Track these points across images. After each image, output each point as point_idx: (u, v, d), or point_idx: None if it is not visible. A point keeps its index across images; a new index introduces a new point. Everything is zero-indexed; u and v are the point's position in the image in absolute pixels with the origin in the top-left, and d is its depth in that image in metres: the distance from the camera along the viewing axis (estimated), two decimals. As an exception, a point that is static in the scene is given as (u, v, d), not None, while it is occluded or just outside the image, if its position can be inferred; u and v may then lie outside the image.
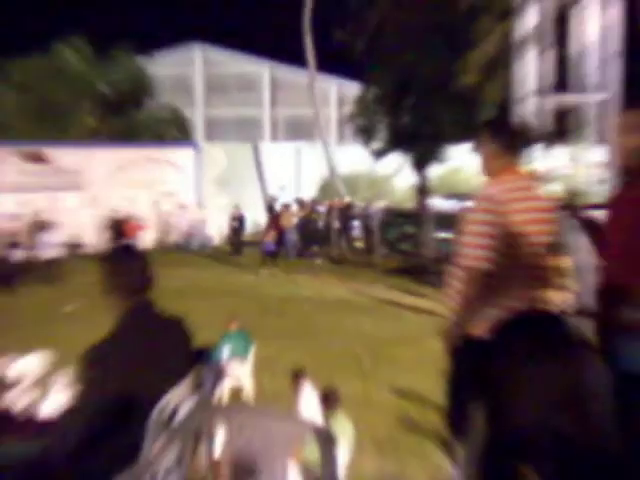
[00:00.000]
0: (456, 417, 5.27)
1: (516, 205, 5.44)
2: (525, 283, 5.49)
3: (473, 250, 5.48)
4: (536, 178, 6.45)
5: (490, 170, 5.82)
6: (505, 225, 5.38)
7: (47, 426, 6.50)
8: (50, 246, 29.20)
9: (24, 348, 11.93)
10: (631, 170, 5.51)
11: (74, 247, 32.60)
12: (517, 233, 5.41)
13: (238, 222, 36.53)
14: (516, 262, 5.47)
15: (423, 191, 34.13)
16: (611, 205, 5.62)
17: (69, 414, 4.85)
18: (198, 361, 5.29)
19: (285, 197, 40.87)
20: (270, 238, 31.84)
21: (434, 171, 35.24)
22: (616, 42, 7.14)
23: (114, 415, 4.52)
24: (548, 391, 2.24)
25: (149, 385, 4.56)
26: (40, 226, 30.23)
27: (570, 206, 6.56)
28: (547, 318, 3.71)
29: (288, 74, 51.71)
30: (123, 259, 5.26)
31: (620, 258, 5.66)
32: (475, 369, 4.84)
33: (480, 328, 5.46)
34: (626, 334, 5.08)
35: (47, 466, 4.69)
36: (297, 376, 11.61)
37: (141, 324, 4.93)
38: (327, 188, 42.61)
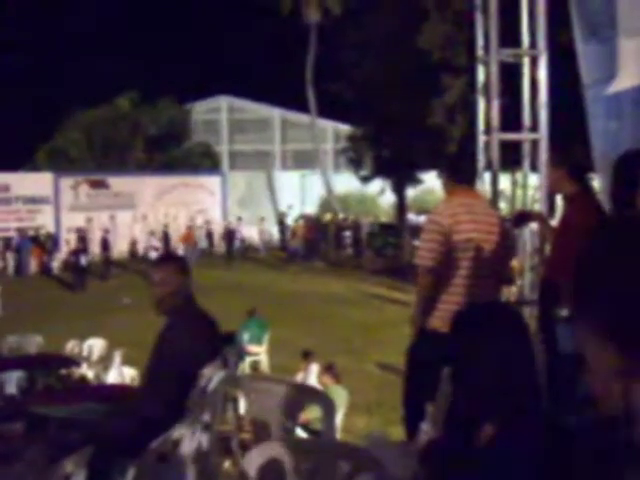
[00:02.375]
0: (413, 417, 5.24)
1: (460, 217, 5.47)
2: (471, 281, 5.49)
3: (422, 252, 5.53)
4: (484, 198, 6.45)
5: (447, 191, 5.88)
6: (448, 233, 5.41)
7: (112, 392, 6.53)
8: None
9: (90, 333, 11.99)
10: (562, 195, 5.60)
11: (131, 253, 32.70)
12: (461, 239, 5.43)
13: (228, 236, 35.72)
14: (461, 264, 5.48)
15: (401, 208, 34.26)
16: (560, 220, 5.70)
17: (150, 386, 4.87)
18: (225, 344, 5.32)
19: (292, 214, 41.00)
20: (296, 243, 32.00)
21: (410, 192, 35.34)
22: (544, 94, 7.29)
23: (169, 387, 4.55)
24: (500, 362, 2.27)
25: (194, 363, 4.60)
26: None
27: (517, 217, 6.63)
28: (495, 306, 3.75)
29: (294, 117, 51.74)
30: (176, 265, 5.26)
31: (553, 259, 5.71)
32: (432, 358, 4.81)
33: (434, 321, 5.47)
34: (558, 324, 5.13)
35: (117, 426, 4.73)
36: (306, 355, 11.65)
37: (187, 317, 4.95)
38: (325, 206, 42.63)
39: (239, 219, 40.01)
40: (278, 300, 21.26)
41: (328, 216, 39.96)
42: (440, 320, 5.39)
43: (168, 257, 6.78)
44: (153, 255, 27.99)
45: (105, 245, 30.84)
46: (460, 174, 5.82)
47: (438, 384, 4.44)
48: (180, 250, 33.84)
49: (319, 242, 37.28)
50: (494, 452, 2.36)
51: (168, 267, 5.11)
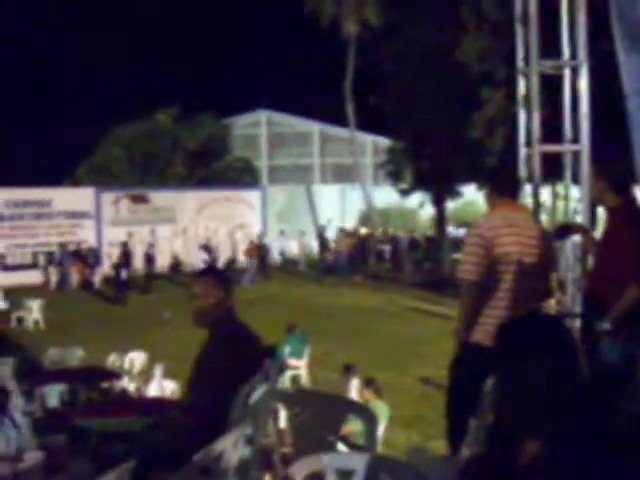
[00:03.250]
0: (456, 431, 5.21)
1: (503, 230, 5.43)
2: (514, 295, 5.45)
3: (465, 265, 5.48)
4: (527, 211, 6.40)
5: (489, 205, 5.84)
6: (492, 247, 5.38)
7: (153, 405, 6.56)
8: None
9: (131, 346, 12.08)
10: (604, 207, 5.53)
11: (172, 267, 32.89)
12: (503, 252, 5.39)
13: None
14: (503, 277, 5.44)
15: (441, 221, 34.15)
16: (603, 233, 5.64)
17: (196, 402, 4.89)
18: (266, 357, 5.33)
19: (332, 228, 40.98)
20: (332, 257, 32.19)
21: (449, 205, 35.23)
22: (585, 105, 7.23)
23: (211, 401, 4.57)
24: (545, 374, 2.25)
25: (235, 379, 4.61)
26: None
27: (559, 230, 6.57)
28: (539, 317, 3.70)
29: (334, 130, 51.80)
30: (216, 278, 5.28)
31: (596, 273, 5.66)
32: (475, 372, 4.78)
33: (477, 335, 5.43)
34: (601, 336, 5.08)
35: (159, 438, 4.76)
36: (347, 369, 11.63)
37: (229, 331, 4.97)
38: (365, 220, 42.62)
39: (282, 233, 40.14)
40: (318, 314, 21.27)
41: (364, 230, 40.01)
42: (483, 334, 5.36)
43: (208, 270, 6.80)
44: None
45: (149, 259, 31.17)
46: (503, 187, 5.78)
47: (481, 398, 4.42)
48: (243, 263, 34.28)
49: (358, 256, 37.30)
50: (538, 469, 2.33)
51: (207, 280, 5.14)
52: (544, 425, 2.34)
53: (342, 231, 39.03)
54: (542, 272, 5.65)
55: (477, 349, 5.35)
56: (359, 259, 37.00)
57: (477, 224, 5.76)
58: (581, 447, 2.29)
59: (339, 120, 43.64)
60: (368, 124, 42.76)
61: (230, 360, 4.73)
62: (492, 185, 5.87)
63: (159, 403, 7.05)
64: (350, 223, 44.50)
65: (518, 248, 5.43)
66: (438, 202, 33.67)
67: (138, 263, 32.45)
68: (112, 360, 11.03)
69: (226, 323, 4.99)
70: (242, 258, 36.44)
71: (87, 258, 32.03)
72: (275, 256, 38.35)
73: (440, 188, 32.52)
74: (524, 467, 2.39)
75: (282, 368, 13.49)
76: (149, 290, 28.85)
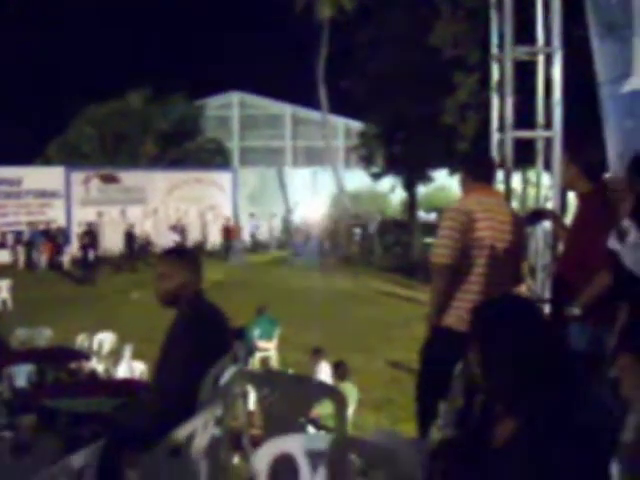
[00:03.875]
0: (426, 414, 5.23)
1: (477, 215, 5.43)
2: (487, 279, 5.47)
3: (439, 249, 5.48)
4: (501, 196, 6.40)
5: (464, 189, 5.84)
6: (466, 231, 5.37)
7: (122, 386, 6.53)
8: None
9: (100, 327, 12.01)
10: (576, 193, 5.55)
11: (142, 248, 32.70)
12: (477, 237, 5.39)
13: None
14: (476, 262, 5.45)
15: (412, 206, 34.23)
16: (574, 219, 5.64)
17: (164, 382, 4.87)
18: (235, 339, 5.31)
19: (297, 211, 41.20)
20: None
21: (421, 190, 35.30)
22: (558, 92, 7.24)
23: (180, 382, 4.56)
24: (518, 353, 2.26)
25: (204, 360, 4.60)
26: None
27: (530, 216, 6.59)
28: (516, 300, 3.69)
29: (306, 113, 51.72)
30: (183, 258, 5.25)
31: (566, 259, 5.69)
32: (446, 356, 4.79)
33: (450, 318, 5.45)
34: (570, 322, 5.10)
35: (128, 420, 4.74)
36: (316, 351, 11.64)
37: (197, 312, 4.95)
38: (336, 204, 42.63)
39: (252, 215, 40.07)
40: (288, 297, 21.28)
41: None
42: (455, 318, 5.38)
43: (175, 250, 6.72)
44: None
45: (130, 239, 31.40)
46: (478, 171, 5.78)
47: (451, 382, 4.43)
48: (215, 245, 34.45)
49: (329, 239, 37.43)
50: (513, 449, 2.34)
51: (174, 260, 5.10)
52: (520, 403, 2.35)
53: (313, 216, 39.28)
54: (514, 258, 5.67)
55: (449, 333, 5.37)
56: (330, 243, 37.08)
57: (451, 208, 5.75)
58: (552, 430, 2.30)
59: (311, 103, 43.62)
60: (341, 107, 42.80)
61: (198, 341, 4.71)
62: (467, 170, 5.87)
63: (128, 384, 7.01)
64: (321, 206, 44.53)
65: (492, 233, 5.45)
66: (409, 186, 33.74)
67: (108, 243, 32.29)
68: (81, 340, 10.95)
69: (194, 304, 4.96)
70: (213, 240, 36.43)
71: (56, 238, 31.79)
72: (246, 238, 38.24)
73: (411, 172, 32.58)
74: (497, 449, 2.40)
75: (251, 350, 13.49)
76: (136, 269, 28.79)
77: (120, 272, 28.63)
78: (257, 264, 32.12)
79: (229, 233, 35.19)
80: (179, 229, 33.84)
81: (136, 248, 31.51)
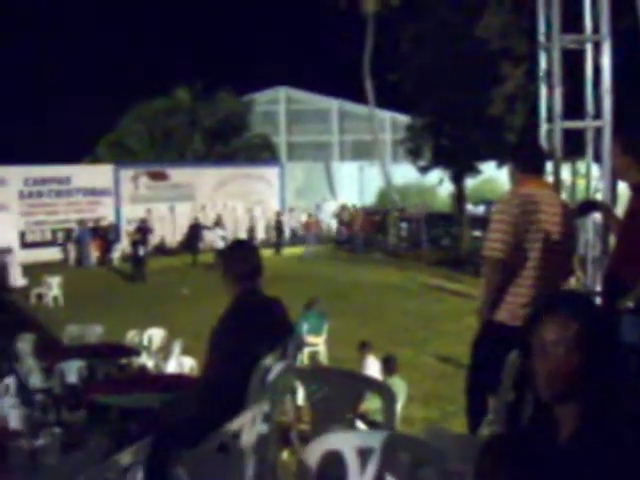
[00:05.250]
0: (476, 410, 5.17)
1: (529, 207, 5.35)
2: (540, 273, 5.38)
3: (492, 243, 5.40)
4: (551, 187, 6.29)
5: (514, 181, 5.74)
6: (521, 223, 5.30)
7: (172, 382, 6.56)
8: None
9: (150, 323, 12.10)
10: (628, 183, 5.43)
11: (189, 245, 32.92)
12: (530, 230, 5.31)
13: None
14: (529, 255, 5.37)
15: (460, 198, 33.97)
16: (626, 211, 5.52)
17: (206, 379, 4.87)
18: (285, 334, 5.30)
19: (327, 206, 41.51)
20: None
21: (469, 182, 35.04)
22: (608, 81, 7.12)
23: (229, 377, 4.56)
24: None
25: (252, 355, 4.59)
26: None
27: (581, 207, 6.48)
28: (569, 293, 3.60)
29: (353, 108, 51.63)
30: (238, 251, 5.27)
31: (618, 252, 5.58)
32: (498, 351, 4.73)
33: (503, 313, 5.38)
34: (622, 315, 5.00)
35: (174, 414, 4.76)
36: (363, 346, 11.61)
37: (251, 305, 4.95)
38: (384, 197, 42.49)
39: (291, 210, 40.11)
40: (337, 291, 21.25)
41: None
42: (508, 313, 5.31)
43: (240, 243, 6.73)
44: (219, 244, 28.20)
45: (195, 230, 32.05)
46: (528, 163, 5.69)
47: (502, 377, 4.38)
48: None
49: (375, 233, 37.44)
50: (574, 447, 2.30)
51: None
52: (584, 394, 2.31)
53: (357, 209, 39.26)
54: (566, 250, 5.58)
55: (501, 328, 5.30)
56: (377, 236, 37.06)
57: (503, 201, 5.65)
58: (616, 427, 2.25)
59: (358, 97, 43.50)
60: (387, 101, 42.62)
61: (244, 334, 4.71)
62: (516, 161, 5.78)
63: (177, 380, 7.04)
64: (369, 200, 44.48)
65: (544, 226, 5.36)
66: (457, 179, 33.48)
67: (157, 240, 32.62)
68: (131, 336, 11.04)
69: (243, 297, 4.97)
70: (260, 235, 36.63)
71: (106, 235, 32.13)
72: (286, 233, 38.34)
73: (459, 165, 32.32)
74: (563, 443, 2.35)
75: (300, 345, 13.48)
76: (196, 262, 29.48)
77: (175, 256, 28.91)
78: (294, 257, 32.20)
79: (308, 226, 36.67)
80: (220, 224, 33.95)
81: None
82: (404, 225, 38.16)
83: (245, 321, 4.80)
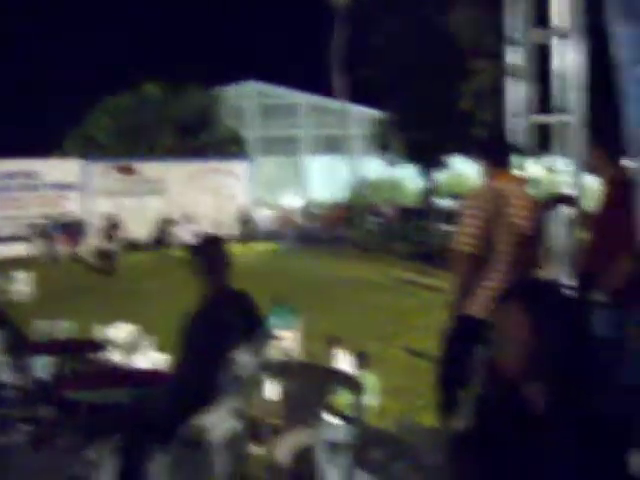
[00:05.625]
0: (447, 404, 5.20)
1: (501, 201, 5.39)
2: (510, 267, 5.42)
3: (462, 237, 5.43)
4: (521, 181, 6.34)
5: (485, 175, 5.78)
6: (492, 216, 5.33)
7: (144, 377, 6.54)
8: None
9: (120, 318, 12.03)
10: (601, 177, 5.49)
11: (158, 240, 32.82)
12: (504, 223, 5.35)
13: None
14: (499, 248, 5.41)
15: (430, 192, 34.12)
16: (602, 204, 5.58)
17: (174, 374, 4.87)
18: (254, 328, 5.30)
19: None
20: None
21: (439, 176, 35.17)
22: (575, 77, 7.18)
23: (200, 373, 4.56)
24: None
25: (221, 349, 4.60)
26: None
27: (549, 201, 6.54)
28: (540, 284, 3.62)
29: (323, 102, 51.64)
30: (207, 246, 5.29)
31: (594, 245, 5.63)
32: (469, 344, 4.76)
33: (474, 307, 5.41)
34: (594, 308, 5.05)
35: (144, 411, 4.74)
36: (332, 340, 11.60)
37: (220, 299, 4.96)
38: (355, 192, 42.53)
39: (259, 204, 40.09)
40: (307, 286, 21.22)
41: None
42: (478, 306, 5.34)
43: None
44: (189, 239, 28.01)
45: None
46: (499, 157, 5.74)
47: (473, 371, 4.40)
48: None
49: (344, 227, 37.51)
50: (545, 424, 2.32)
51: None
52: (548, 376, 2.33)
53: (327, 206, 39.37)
54: (534, 243, 5.63)
55: (471, 321, 5.34)
56: (347, 231, 37.11)
57: (473, 194, 5.71)
58: (578, 420, 2.28)
59: (328, 92, 43.53)
60: (358, 95, 42.70)
61: (214, 329, 4.72)
62: (487, 155, 5.83)
63: (148, 375, 7.02)
64: (339, 195, 44.50)
65: (514, 219, 5.40)
66: (427, 173, 33.65)
67: (126, 234, 32.46)
68: (100, 331, 10.98)
69: (214, 292, 4.98)
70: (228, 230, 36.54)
71: (75, 230, 31.92)
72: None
73: (429, 159, 32.47)
74: (533, 422, 2.37)
75: (271, 339, 13.46)
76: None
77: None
78: (266, 252, 32.14)
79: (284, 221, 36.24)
80: (191, 219, 33.79)
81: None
82: (375, 220, 38.23)
83: (215, 316, 4.81)
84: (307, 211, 41.06)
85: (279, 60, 53.82)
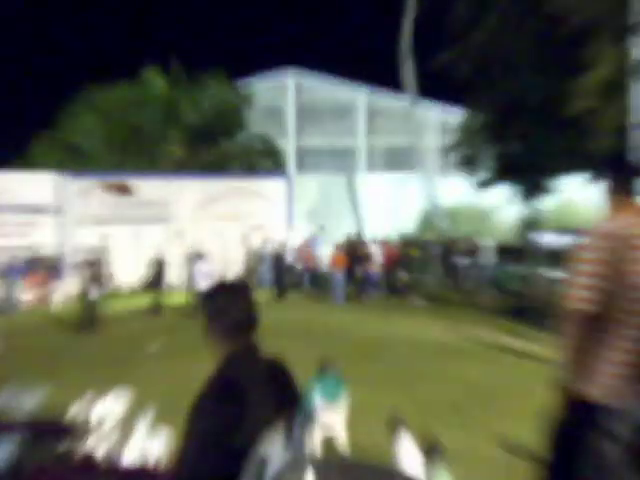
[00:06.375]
0: None
1: (635, 242, 5.27)
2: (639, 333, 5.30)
3: (579, 291, 5.31)
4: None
5: (612, 206, 5.66)
6: (622, 264, 5.21)
7: (131, 476, 6.49)
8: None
9: (104, 390, 12.01)
10: None
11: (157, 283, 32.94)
12: (633, 274, 5.23)
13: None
14: (630, 309, 5.28)
15: (532, 225, 33.88)
16: None
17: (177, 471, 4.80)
18: (290, 409, 5.23)
19: (324, 237, 41.04)
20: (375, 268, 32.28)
21: (544, 204, 34.96)
22: None
23: (213, 471, 4.49)
24: None
25: (250, 436, 4.53)
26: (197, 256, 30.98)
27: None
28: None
29: (386, 100, 51.78)
30: (227, 295, 5.19)
31: None
32: (586, 441, 4.64)
33: (595, 388, 5.28)
34: None
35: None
36: (395, 425, 11.47)
37: (246, 370, 4.89)
38: (427, 222, 42.49)
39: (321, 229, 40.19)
40: (358, 349, 21.15)
41: (430, 235, 39.82)
42: (598, 387, 5.22)
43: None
44: (202, 284, 28.09)
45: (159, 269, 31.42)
46: (627, 183, 5.62)
47: (596, 475, 4.28)
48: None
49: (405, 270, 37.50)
50: None
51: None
52: None
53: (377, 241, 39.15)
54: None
55: (589, 408, 5.21)
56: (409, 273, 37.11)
57: (596, 232, 5.57)
58: None
59: (393, 85, 43.67)
60: (433, 91, 42.76)
61: (237, 413, 4.65)
62: (617, 179, 5.71)
63: (138, 474, 6.97)
64: (404, 226, 44.46)
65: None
66: (529, 199, 33.44)
67: (117, 276, 32.57)
68: (75, 411, 10.96)
69: (234, 358, 4.92)
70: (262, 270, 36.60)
71: (46, 269, 32.11)
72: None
73: (531, 180, 32.30)
74: None
75: (311, 424, 13.36)
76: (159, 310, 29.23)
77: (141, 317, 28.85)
78: (312, 302, 32.12)
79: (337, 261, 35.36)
80: (205, 257, 33.97)
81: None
82: (454, 260, 38.15)
83: (236, 393, 4.74)
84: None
85: (327, 44, 54.15)
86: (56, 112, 43.09)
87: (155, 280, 31.07)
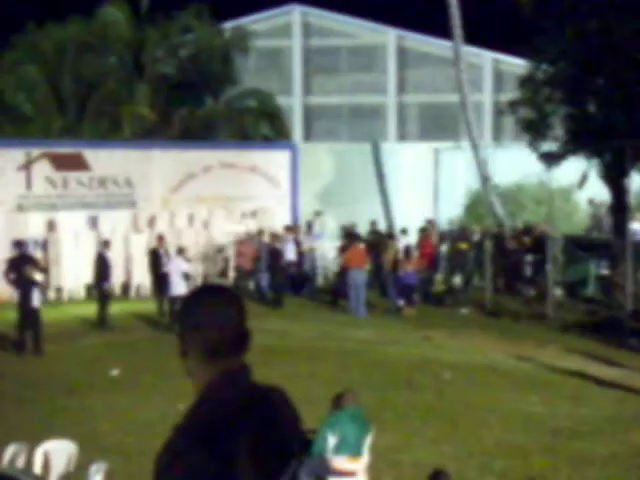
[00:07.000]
0: None
1: None
2: None
3: None
4: None
5: None
6: None
7: None
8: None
9: (50, 430, 11.91)
10: None
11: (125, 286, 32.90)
12: None
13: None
14: None
15: (619, 211, 33.39)
16: None
17: None
18: (294, 456, 5.02)
19: (318, 224, 40.55)
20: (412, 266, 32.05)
21: (635, 183, 34.63)
22: None
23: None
24: None
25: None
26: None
27: None
28: None
29: (422, 46, 51.78)
30: (210, 303, 4.96)
31: None
32: None
33: None
34: None
35: None
36: (437, 477, 11.31)
37: (233, 405, 4.67)
38: (476, 206, 42.25)
39: (308, 227, 39.72)
40: (386, 376, 21.03)
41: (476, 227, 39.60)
42: None
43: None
44: (180, 289, 27.75)
45: (103, 269, 30.74)
46: None
47: None
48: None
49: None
50: None
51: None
52: None
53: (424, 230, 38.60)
54: None
55: None
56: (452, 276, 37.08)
57: None
58: None
59: (432, 27, 43.57)
60: (485, 34, 42.64)
61: (220, 461, 4.46)
62: None
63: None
64: (448, 212, 44.24)
65: None
66: (614, 176, 33.06)
67: (66, 278, 32.48)
68: (12, 454, 10.92)
69: (234, 388, 4.71)
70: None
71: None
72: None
73: (619, 151, 31.93)
74: None
75: (324, 474, 13.20)
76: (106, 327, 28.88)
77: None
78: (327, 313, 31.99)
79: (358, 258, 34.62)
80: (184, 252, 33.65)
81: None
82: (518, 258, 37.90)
83: (222, 436, 4.54)
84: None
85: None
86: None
87: (98, 283, 30.45)
